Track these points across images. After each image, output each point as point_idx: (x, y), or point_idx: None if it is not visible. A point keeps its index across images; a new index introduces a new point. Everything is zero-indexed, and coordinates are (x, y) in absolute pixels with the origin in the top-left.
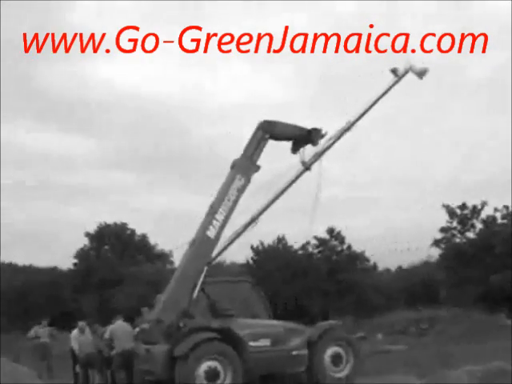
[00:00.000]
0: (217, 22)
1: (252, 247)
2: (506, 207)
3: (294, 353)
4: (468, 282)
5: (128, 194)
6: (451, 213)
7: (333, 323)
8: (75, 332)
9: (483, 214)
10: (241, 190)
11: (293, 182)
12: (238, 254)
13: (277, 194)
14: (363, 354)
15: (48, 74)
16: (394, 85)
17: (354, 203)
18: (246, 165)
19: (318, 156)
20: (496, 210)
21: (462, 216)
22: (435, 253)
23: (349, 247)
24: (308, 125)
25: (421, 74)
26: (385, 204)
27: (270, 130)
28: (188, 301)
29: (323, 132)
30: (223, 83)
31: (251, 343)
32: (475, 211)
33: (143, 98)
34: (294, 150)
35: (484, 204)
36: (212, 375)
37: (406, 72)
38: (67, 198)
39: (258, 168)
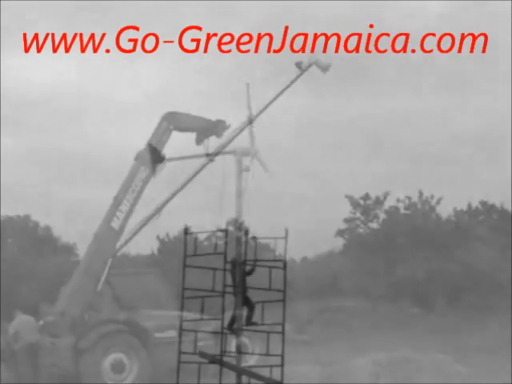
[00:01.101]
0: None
1: (158, 238)
2: (409, 198)
3: (201, 343)
4: (372, 272)
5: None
6: (354, 203)
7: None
8: None
9: (386, 205)
10: (145, 181)
11: (196, 173)
12: (144, 245)
13: (181, 185)
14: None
15: None
16: (297, 78)
17: (259, 196)
18: (150, 156)
19: (221, 148)
20: (399, 200)
21: (365, 207)
22: (339, 243)
23: (254, 238)
24: (213, 116)
25: (325, 68)
26: (290, 196)
27: (174, 122)
28: (93, 293)
29: (227, 124)
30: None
31: (157, 334)
32: (378, 202)
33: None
34: (199, 141)
35: (387, 194)
36: (118, 367)
37: (310, 65)
38: None
39: (162, 159)
